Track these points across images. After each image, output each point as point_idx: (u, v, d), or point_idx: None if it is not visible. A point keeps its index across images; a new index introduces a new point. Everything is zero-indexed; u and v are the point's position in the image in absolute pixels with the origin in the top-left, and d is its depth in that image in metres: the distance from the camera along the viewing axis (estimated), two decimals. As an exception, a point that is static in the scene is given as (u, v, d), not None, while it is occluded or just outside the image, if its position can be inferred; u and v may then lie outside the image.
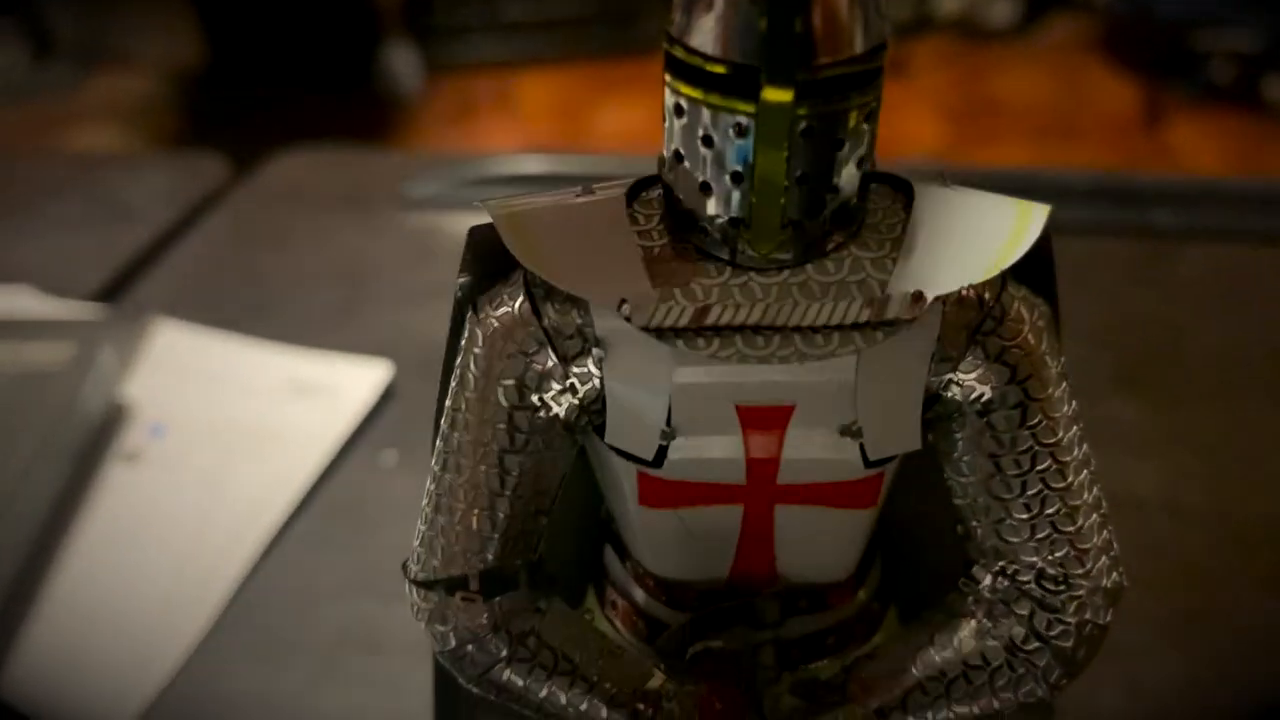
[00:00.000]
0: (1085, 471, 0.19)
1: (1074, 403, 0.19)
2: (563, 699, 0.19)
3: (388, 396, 0.45)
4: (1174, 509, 0.40)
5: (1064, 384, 0.19)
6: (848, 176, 0.17)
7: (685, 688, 0.19)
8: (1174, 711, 0.34)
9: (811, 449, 0.18)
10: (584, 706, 0.19)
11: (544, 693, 0.19)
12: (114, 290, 0.52)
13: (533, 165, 0.55)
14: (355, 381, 0.45)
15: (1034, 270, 0.18)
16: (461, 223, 0.57)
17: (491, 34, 2.12)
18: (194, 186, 0.57)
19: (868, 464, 0.18)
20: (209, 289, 0.51)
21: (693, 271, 0.17)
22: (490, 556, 0.19)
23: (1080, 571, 0.19)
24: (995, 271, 0.17)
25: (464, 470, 0.19)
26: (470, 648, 0.19)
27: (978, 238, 0.18)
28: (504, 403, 0.18)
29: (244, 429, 0.43)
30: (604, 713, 0.19)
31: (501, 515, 0.19)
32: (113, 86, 2.17)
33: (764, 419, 0.17)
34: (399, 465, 0.42)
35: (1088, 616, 0.19)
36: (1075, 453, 0.19)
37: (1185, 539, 0.39)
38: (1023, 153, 1.61)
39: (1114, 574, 0.19)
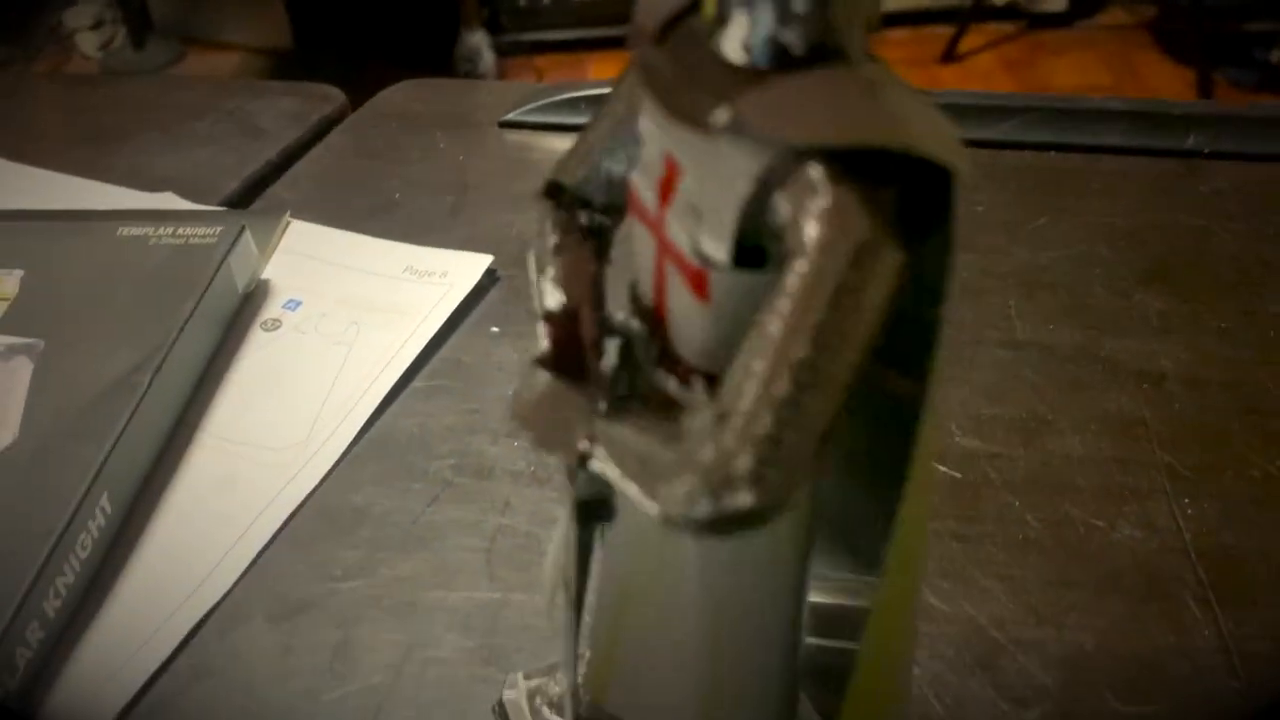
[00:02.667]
0: (789, 365, 0.17)
1: (837, 314, 0.17)
2: None
3: (490, 282, 0.51)
4: (1192, 382, 0.44)
5: (830, 283, 0.17)
6: None
7: None
8: (1189, 544, 0.38)
9: (676, 213, 0.20)
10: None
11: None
12: (248, 197, 0.59)
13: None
14: (463, 269, 0.51)
15: (927, 209, 0.18)
16: (552, 141, 0.64)
17: (562, 16, 2.18)
18: (316, 111, 0.64)
19: (693, 251, 0.19)
20: (332, 196, 0.58)
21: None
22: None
23: (723, 428, 0.17)
24: (820, 141, 0.17)
25: None
26: None
27: (850, 108, 0.17)
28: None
29: (367, 304, 0.50)
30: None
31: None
32: (205, 66, 2.28)
33: (671, 170, 0.20)
34: (500, 335, 0.48)
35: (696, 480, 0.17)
36: (792, 344, 0.17)
37: (1202, 407, 0.43)
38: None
39: (742, 463, 0.17)
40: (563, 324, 0.22)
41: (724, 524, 0.17)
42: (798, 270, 0.17)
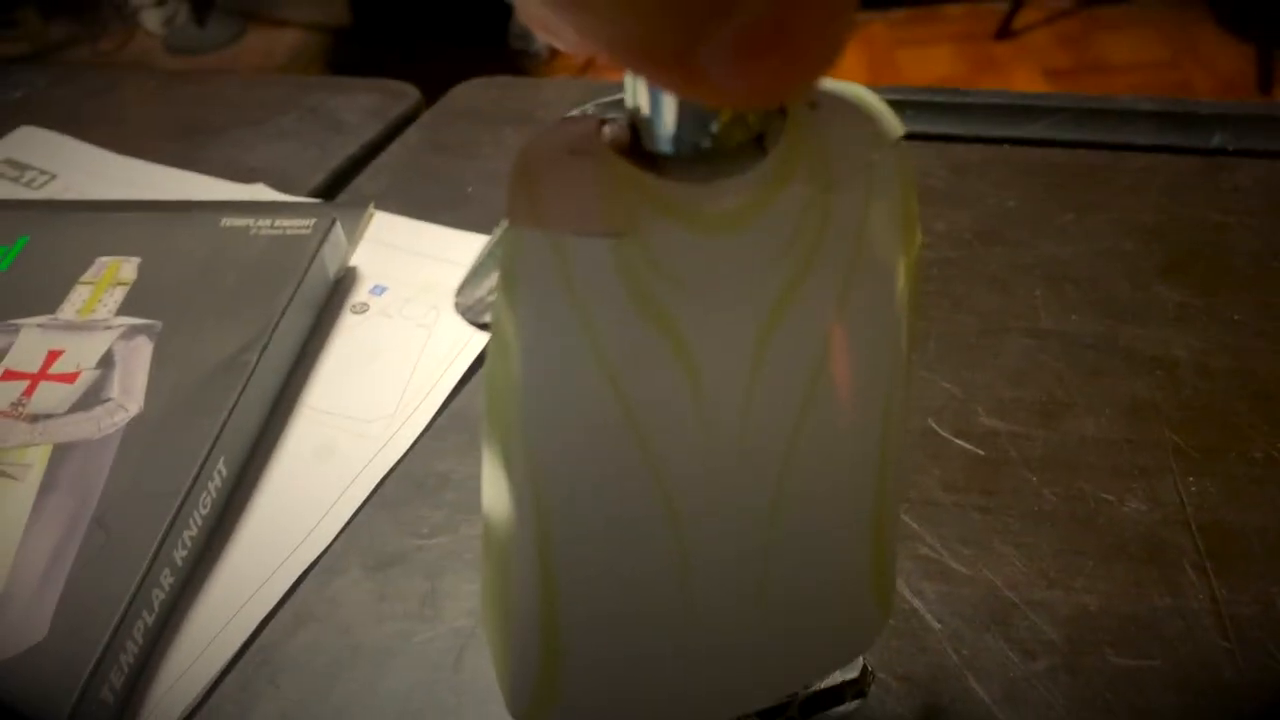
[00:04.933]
0: None
1: None
2: None
3: (556, 270, 0.56)
4: (1203, 370, 0.48)
5: None
6: None
7: None
8: (1191, 517, 0.42)
9: None
10: None
11: None
12: (332, 188, 0.64)
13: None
14: (531, 257, 0.56)
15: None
16: (614, 136, 0.67)
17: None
18: (394, 106, 0.69)
19: None
20: (410, 188, 0.63)
21: None
22: None
23: None
24: None
25: None
26: None
27: None
28: None
29: (447, 289, 0.54)
30: None
31: None
32: (266, 42, 2.34)
33: None
34: (567, 320, 0.53)
35: None
36: None
37: (1211, 393, 0.47)
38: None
39: None
40: None
41: None
42: None
